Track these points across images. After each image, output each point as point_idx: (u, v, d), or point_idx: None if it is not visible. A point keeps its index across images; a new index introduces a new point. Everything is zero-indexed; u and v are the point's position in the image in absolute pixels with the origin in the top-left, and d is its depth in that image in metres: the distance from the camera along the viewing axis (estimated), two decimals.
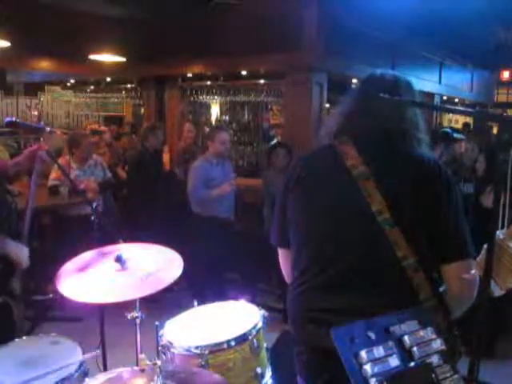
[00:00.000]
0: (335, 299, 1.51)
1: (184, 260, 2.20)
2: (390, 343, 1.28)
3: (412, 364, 1.27)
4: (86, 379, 1.79)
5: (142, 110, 8.84)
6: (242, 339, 1.98)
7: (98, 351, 1.90)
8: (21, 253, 2.58)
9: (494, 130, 9.40)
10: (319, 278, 1.56)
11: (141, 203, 4.99)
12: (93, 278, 2.09)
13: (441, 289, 1.52)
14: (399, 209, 1.47)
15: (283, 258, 1.81)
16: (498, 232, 1.41)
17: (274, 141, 8.10)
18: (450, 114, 11.66)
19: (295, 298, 1.67)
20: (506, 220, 1.45)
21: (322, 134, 1.74)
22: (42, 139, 2.85)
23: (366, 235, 1.51)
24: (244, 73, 6.44)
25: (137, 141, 6.64)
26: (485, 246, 1.44)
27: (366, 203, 1.48)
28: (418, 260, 1.46)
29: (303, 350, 1.63)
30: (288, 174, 1.74)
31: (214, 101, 8.55)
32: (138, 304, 2.16)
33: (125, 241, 2.34)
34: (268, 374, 2.09)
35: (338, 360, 1.25)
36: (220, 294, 3.88)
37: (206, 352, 1.91)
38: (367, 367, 1.22)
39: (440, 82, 8.90)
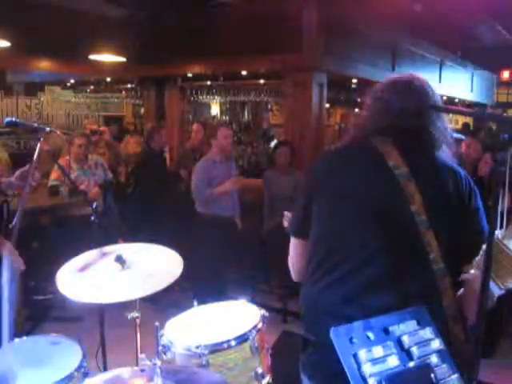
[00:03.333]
0: (365, 296, 1.48)
1: (185, 259, 2.20)
2: (389, 343, 1.28)
3: (411, 364, 1.27)
4: (86, 379, 1.79)
5: (142, 110, 8.85)
6: (242, 339, 1.98)
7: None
8: (14, 256, 2.58)
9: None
10: (345, 270, 1.53)
11: (144, 203, 5.00)
12: (93, 278, 2.10)
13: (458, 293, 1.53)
14: (435, 213, 1.49)
15: (298, 249, 1.74)
16: (496, 232, 1.41)
17: (275, 141, 8.12)
18: (450, 114, 11.65)
19: (314, 291, 1.59)
20: (504, 220, 1.45)
21: (354, 131, 1.73)
22: (41, 139, 2.86)
23: (405, 234, 1.51)
24: (244, 73, 6.44)
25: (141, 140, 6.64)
26: (484, 246, 1.45)
27: (406, 202, 1.49)
28: (446, 266, 1.48)
29: (318, 350, 1.55)
30: (318, 166, 1.71)
31: (214, 101, 8.56)
32: (138, 304, 2.16)
33: (125, 241, 2.34)
34: (268, 374, 2.09)
35: None
36: (220, 294, 3.89)
37: (206, 352, 1.91)
38: (366, 367, 1.22)
39: (440, 82, 8.91)
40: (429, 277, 1.47)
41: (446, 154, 1.61)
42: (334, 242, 1.60)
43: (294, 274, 1.77)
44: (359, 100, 12.10)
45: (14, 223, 2.75)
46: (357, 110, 12.61)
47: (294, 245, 1.76)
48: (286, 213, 2.15)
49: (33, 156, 2.85)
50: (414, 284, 1.49)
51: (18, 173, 2.99)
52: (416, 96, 1.60)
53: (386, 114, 1.62)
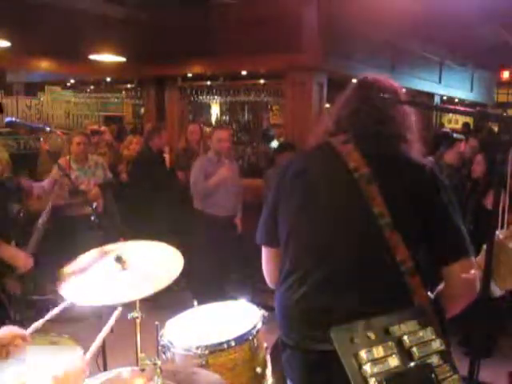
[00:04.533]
0: (333, 300, 1.49)
1: (184, 259, 2.20)
2: (390, 343, 1.28)
3: (412, 364, 1.27)
4: (86, 379, 1.79)
5: (142, 110, 8.84)
6: (242, 339, 1.97)
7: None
8: (16, 257, 2.69)
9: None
10: (316, 278, 1.53)
11: (143, 203, 5.00)
12: (93, 279, 2.09)
13: (438, 288, 1.52)
14: (399, 213, 1.47)
15: (269, 257, 1.78)
16: (497, 232, 1.41)
17: (275, 141, 8.11)
18: (450, 114, 11.66)
19: (288, 299, 1.61)
20: (505, 220, 1.45)
21: (317, 132, 1.72)
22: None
23: (366, 237, 1.50)
24: (244, 73, 6.44)
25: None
26: (484, 246, 1.45)
27: (367, 205, 1.48)
28: (415, 265, 1.47)
29: (295, 354, 1.59)
30: (282, 172, 1.71)
31: (214, 101, 8.55)
32: (138, 304, 2.16)
33: (125, 240, 2.34)
34: (268, 374, 2.09)
35: (335, 362, 1.24)
36: (220, 294, 3.88)
37: (206, 352, 1.91)
38: (367, 367, 1.22)
39: (440, 82, 8.90)
40: (397, 277, 1.46)
41: (413, 149, 1.58)
42: (300, 250, 1.60)
43: (268, 280, 1.81)
44: None
45: (39, 223, 2.91)
46: None
47: (264, 252, 1.80)
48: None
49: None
50: (382, 284, 1.48)
51: (48, 181, 3.15)
52: (377, 94, 1.58)
53: (346, 114, 1.62)
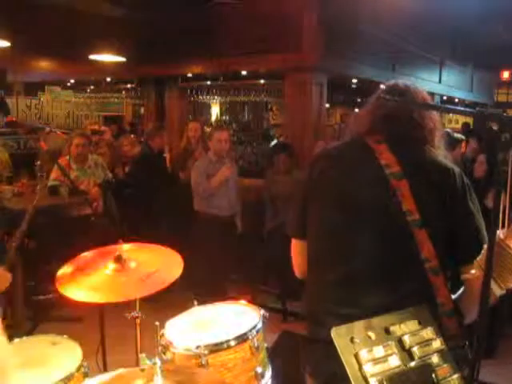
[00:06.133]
0: (359, 296, 1.50)
1: (184, 259, 2.20)
2: (390, 343, 1.28)
3: (412, 364, 1.27)
4: (86, 379, 1.79)
5: (142, 110, 8.85)
6: (241, 339, 1.97)
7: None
8: None
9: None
10: (342, 273, 1.55)
11: (143, 203, 5.00)
12: (93, 278, 2.09)
13: (458, 292, 1.53)
14: (427, 212, 1.49)
15: (299, 250, 1.76)
16: (498, 231, 1.41)
17: (275, 141, 8.12)
18: (450, 114, 11.67)
19: (317, 292, 1.63)
20: (506, 219, 1.45)
21: (350, 130, 1.75)
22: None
23: (395, 233, 1.52)
24: (244, 73, 6.44)
25: (135, 140, 6.63)
26: (485, 245, 1.45)
27: (397, 202, 1.50)
28: (440, 264, 1.48)
29: (328, 348, 1.55)
30: (311, 166, 1.72)
31: (214, 101, 8.56)
32: (138, 304, 2.16)
33: (125, 241, 2.34)
34: (268, 374, 2.09)
35: None
36: (220, 294, 3.88)
37: (206, 352, 1.90)
38: (367, 367, 1.22)
39: (440, 82, 8.91)
40: (422, 275, 1.48)
41: (439, 152, 1.62)
42: (328, 243, 1.62)
43: (296, 272, 1.80)
44: (359, 100, 12.14)
45: (18, 231, 2.69)
46: (357, 110, 12.64)
47: (294, 245, 1.79)
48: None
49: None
50: (408, 282, 1.49)
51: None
52: (410, 99, 1.63)
53: (379, 116, 1.65)
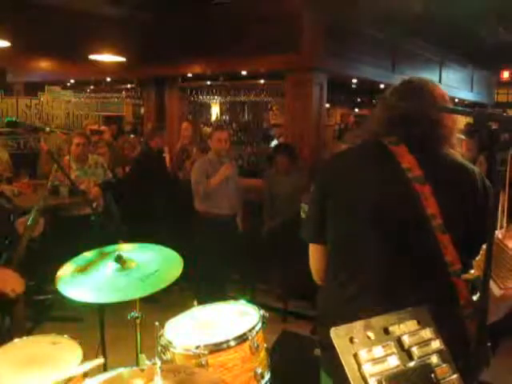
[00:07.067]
0: (384, 300, 1.48)
1: (184, 259, 2.20)
2: (390, 343, 1.28)
3: (411, 364, 1.27)
4: (86, 379, 1.79)
5: (142, 110, 8.85)
6: (241, 339, 1.97)
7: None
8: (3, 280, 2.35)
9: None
10: (366, 278, 1.53)
11: (143, 203, 5.00)
12: (93, 278, 2.10)
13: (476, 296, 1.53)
14: (450, 215, 1.48)
15: (318, 255, 1.72)
16: (496, 232, 1.41)
17: (275, 141, 8.12)
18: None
19: (337, 297, 1.60)
20: (504, 220, 1.45)
21: (366, 131, 1.71)
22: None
23: (420, 238, 1.50)
24: (244, 73, 6.45)
25: (136, 141, 6.64)
26: (484, 246, 1.45)
27: (421, 206, 1.48)
28: (462, 267, 1.48)
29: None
30: (325, 169, 1.70)
31: (214, 101, 8.56)
32: (137, 304, 2.16)
33: (125, 241, 2.35)
34: (268, 374, 2.09)
35: None
36: (220, 294, 3.88)
37: (206, 352, 1.90)
38: (366, 367, 1.22)
39: (440, 82, 8.90)
40: (446, 278, 1.48)
41: (457, 153, 1.60)
42: (351, 248, 1.59)
43: (315, 277, 1.77)
44: (359, 100, 12.13)
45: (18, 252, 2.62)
46: (357, 110, 12.63)
47: (312, 250, 1.74)
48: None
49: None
50: (433, 286, 1.49)
51: None
52: (424, 98, 1.57)
53: (395, 116, 1.60)
